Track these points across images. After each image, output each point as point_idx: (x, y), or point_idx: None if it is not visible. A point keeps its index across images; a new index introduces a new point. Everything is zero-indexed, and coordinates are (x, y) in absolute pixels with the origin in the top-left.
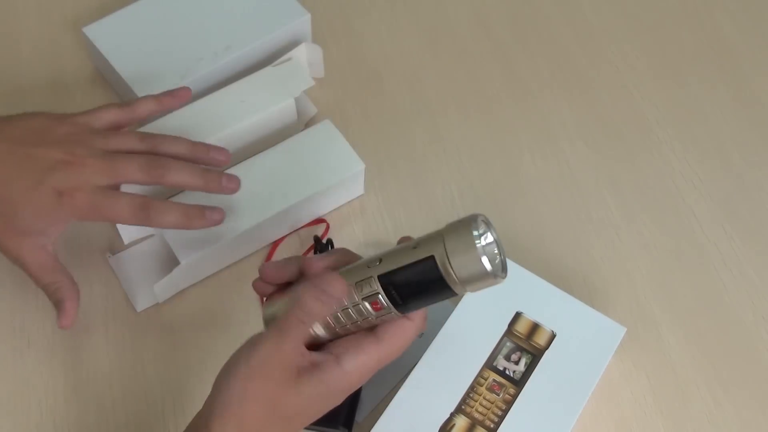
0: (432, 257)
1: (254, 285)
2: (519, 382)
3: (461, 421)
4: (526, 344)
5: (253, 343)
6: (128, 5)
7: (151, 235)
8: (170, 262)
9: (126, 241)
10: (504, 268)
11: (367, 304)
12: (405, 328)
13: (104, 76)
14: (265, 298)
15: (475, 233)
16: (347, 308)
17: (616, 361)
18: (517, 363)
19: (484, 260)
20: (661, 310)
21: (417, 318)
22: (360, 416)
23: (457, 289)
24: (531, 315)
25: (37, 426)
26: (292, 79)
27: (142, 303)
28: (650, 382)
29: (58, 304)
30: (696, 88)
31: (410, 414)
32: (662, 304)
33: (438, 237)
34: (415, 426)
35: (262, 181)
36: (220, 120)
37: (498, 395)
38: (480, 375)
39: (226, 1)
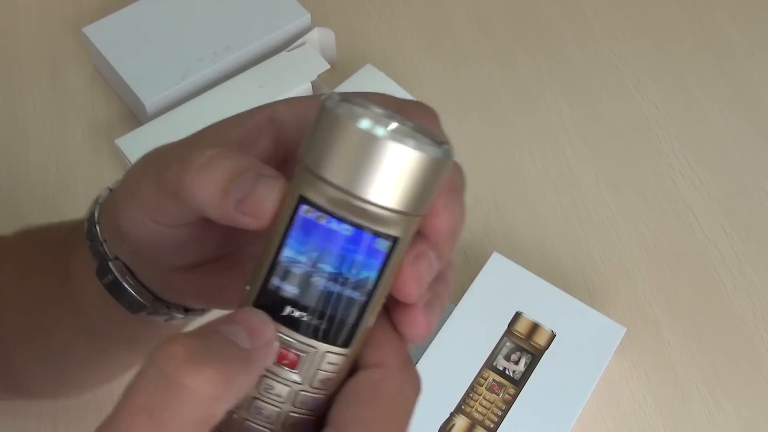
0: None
1: None
2: (519, 382)
3: (461, 421)
4: (526, 344)
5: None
6: (128, 5)
7: None
8: None
9: None
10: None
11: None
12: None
13: (104, 76)
14: None
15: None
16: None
17: (616, 361)
18: (517, 363)
19: (402, 146)
20: (661, 310)
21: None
22: None
23: (397, 224)
24: (531, 315)
25: (37, 426)
26: (307, 64)
27: None
28: (650, 382)
29: None
30: (696, 88)
31: None
32: (662, 304)
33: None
34: (415, 426)
35: None
36: (240, 105)
37: (498, 395)
38: (480, 375)
39: (226, 1)
